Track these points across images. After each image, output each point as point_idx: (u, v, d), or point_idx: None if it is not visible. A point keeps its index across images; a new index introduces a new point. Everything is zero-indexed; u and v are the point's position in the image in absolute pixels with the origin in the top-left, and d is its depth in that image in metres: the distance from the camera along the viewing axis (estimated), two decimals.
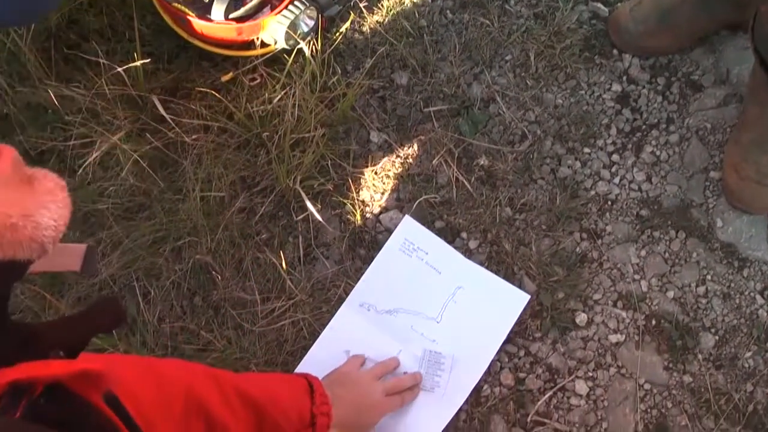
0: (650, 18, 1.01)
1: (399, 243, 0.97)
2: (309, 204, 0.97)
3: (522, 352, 0.93)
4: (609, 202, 1.00)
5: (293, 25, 0.98)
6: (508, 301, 0.94)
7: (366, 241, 0.99)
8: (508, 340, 0.93)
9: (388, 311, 0.95)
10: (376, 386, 0.84)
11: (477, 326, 0.93)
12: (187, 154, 1.00)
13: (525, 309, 0.93)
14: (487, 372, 0.91)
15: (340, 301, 0.95)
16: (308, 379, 0.74)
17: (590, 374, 0.92)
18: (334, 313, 0.94)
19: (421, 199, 0.99)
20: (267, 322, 0.93)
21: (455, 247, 0.98)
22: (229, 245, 0.97)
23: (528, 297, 0.93)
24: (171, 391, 0.55)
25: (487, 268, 0.97)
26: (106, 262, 0.94)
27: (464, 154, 1.02)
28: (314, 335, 0.93)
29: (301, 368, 0.90)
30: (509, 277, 0.96)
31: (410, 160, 1.02)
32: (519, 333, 0.94)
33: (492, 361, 0.91)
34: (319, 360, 0.89)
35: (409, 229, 0.98)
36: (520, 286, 0.96)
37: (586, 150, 1.03)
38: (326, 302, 0.95)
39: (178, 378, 0.57)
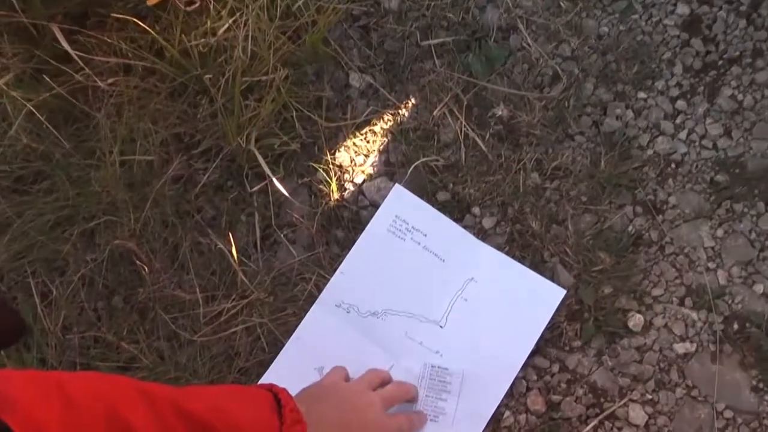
0: None
1: (388, 222, 0.87)
2: (268, 170, 0.87)
3: (556, 368, 0.83)
4: (673, 165, 0.90)
5: None
6: (536, 299, 0.84)
7: (344, 220, 0.89)
8: (537, 351, 0.83)
9: (374, 313, 0.85)
10: (371, 398, 0.75)
11: (495, 332, 0.83)
12: (101, 104, 0.92)
13: (559, 309, 0.83)
14: (509, 394, 0.81)
15: (311, 300, 0.86)
16: (274, 392, 0.67)
17: (649, 397, 0.81)
18: (303, 317, 0.85)
19: (419, 162, 0.89)
20: (212, 330, 0.84)
21: (465, 227, 0.88)
22: (160, 226, 0.88)
23: (563, 292, 0.83)
24: (86, 414, 0.52)
25: (507, 253, 0.86)
26: None
27: (476, 101, 0.92)
28: (276, 347, 0.84)
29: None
30: (537, 265, 0.86)
31: (403, 111, 0.92)
32: (552, 341, 0.84)
33: (515, 379, 0.81)
34: (282, 379, 0.78)
35: (402, 203, 0.88)
36: (553, 277, 0.85)
37: (641, 95, 0.92)
38: (292, 302, 0.86)
39: (95, 397, 0.54)
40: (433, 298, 0.85)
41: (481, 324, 0.84)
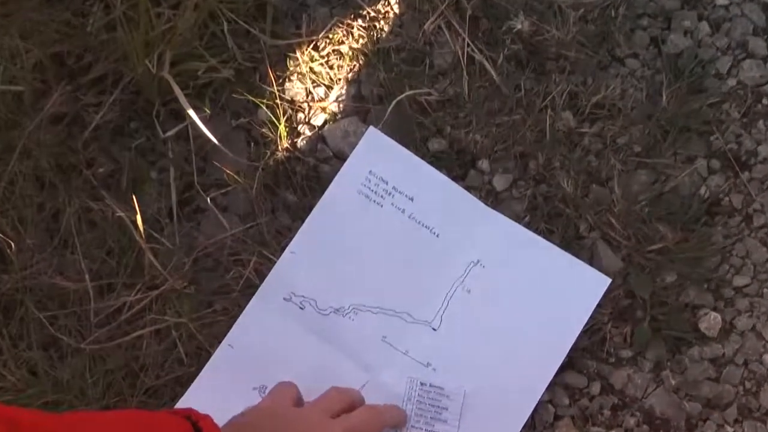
0: None
1: (360, 180, 0.76)
2: (188, 107, 0.74)
3: (596, 388, 0.70)
4: (764, 101, 0.78)
5: None
6: (568, 290, 0.73)
7: (298, 178, 0.76)
8: (570, 364, 0.71)
9: (339, 310, 0.72)
10: (331, 429, 0.65)
11: (510, 338, 0.72)
12: None
13: (601, 304, 0.71)
14: (530, 425, 0.70)
15: (249, 291, 0.74)
16: (193, 420, 0.59)
17: (729, 430, 0.70)
18: (238, 315, 0.73)
19: (403, 97, 0.77)
20: (107, 334, 0.74)
21: (468, 188, 0.75)
22: (32, 187, 0.76)
23: (607, 282, 0.71)
24: None
25: (528, 226, 0.74)
26: None
27: (484, 11, 0.80)
28: (199, 357, 0.73)
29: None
30: (570, 243, 0.74)
31: (382, 24, 0.80)
32: (590, 350, 0.72)
33: (539, 404, 0.69)
34: (207, 403, 0.66)
35: (378, 155, 0.77)
36: (592, 260, 0.73)
37: (721, 1, 0.81)
38: (222, 294, 0.74)
39: None
40: (423, 288, 0.74)
41: (491, 325, 0.73)
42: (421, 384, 0.69)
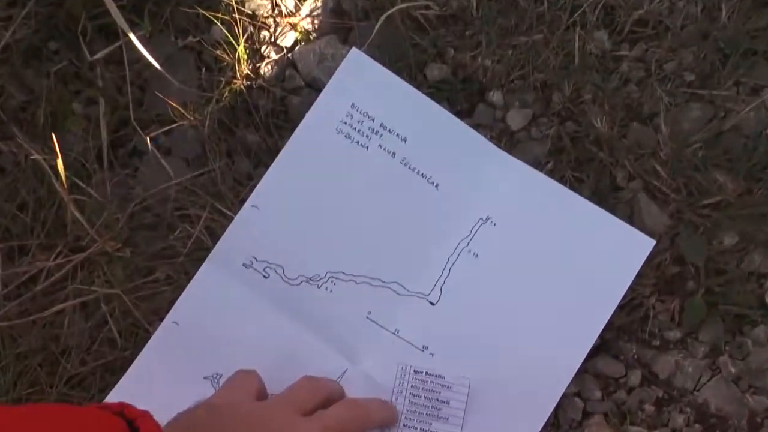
0: None
1: (338, 115, 0.66)
2: (122, 22, 0.65)
3: (635, 377, 0.61)
4: None
5: None
6: (603, 254, 0.63)
7: (261, 113, 0.66)
8: (602, 347, 0.62)
9: (312, 279, 0.63)
10: (302, 428, 0.57)
11: (527, 314, 0.63)
12: None
13: (643, 272, 0.62)
14: (553, 423, 0.61)
15: (199, 255, 0.64)
16: (129, 418, 0.51)
17: None
18: (185, 285, 0.64)
19: (394, 10, 0.68)
20: (19, 309, 0.65)
21: (475, 126, 0.65)
22: None
23: (651, 243, 0.62)
24: None
25: (551, 174, 0.64)
26: None
27: None
28: (136, 338, 0.64)
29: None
30: (604, 195, 0.64)
31: None
32: (628, 329, 0.63)
33: (563, 397, 0.60)
34: (146, 396, 0.57)
35: (363, 83, 0.68)
36: (631, 217, 0.63)
37: None
38: (165, 259, 0.64)
39: None
40: (419, 252, 0.64)
41: (503, 299, 0.64)
42: (416, 372, 0.59)
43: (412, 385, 0.60)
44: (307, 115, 0.64)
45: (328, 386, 0.60)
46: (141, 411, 0.50)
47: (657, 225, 0.61)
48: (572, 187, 0.62)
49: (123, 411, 0.50)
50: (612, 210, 0.62)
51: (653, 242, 0.61)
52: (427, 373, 0.60)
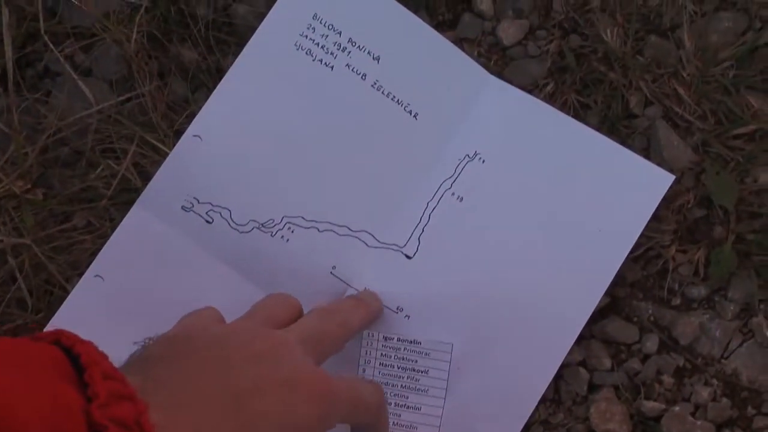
0: None
1: (297, 28, 0.55)
2: None
3: (651, 342, 0.52)
4: None
5: None
6: (610, 193, 0.54)
7: (199, 23, 0.55)
8: (611, 306, 0.53)
9: (265, 225, 0.54)
10: (279, 338, 0.49)
11: (520, 267, 0.54)
12: None
13: (660, 215, 0.53)
14: (554, 398, 0.52)
15: (127, 198, 0.54)
16: (66, 345, 0.41)
17: None
18: (110, 233, 0.54)
19: None
20: None
21: (459, 42, 0.55)
22: None
23: (669, 180, 0.53)
24: None
25: (551, 98, 0.53)
26: None
27: None
28: (51, 298, 0.55)
29: None
30: (614, 123, 0.53)
31: None
32: (642, 286, 0.54)
33: (563, 367, 0.52)
34: None
35: None
36: (648, 150, 0.53)
37: None
38: (84, 201, 0.54)
39: None
40: (392, 195, 0.54)
41: (492, 249, 0.53)
42: (385, 338, 0.50)
43: (381, 354, 0.51)
44: (260, 27, 0.54)
45: (290, 301, 0.51)
46: (80, 338, 0.43)
47: (679, 159, 0.51)
48: (577, 114, 0.52)
49: (60, 339, 0.44)
50: (624, 141, 0.52)
51: (672, 177, 0.51)
52: (399, 339, 0.51)
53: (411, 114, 0.53)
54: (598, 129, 0.51)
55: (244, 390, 0.43)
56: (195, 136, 0.52)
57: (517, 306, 0.51)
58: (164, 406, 0.40)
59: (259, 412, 0.42)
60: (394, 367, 0.50)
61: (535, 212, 0.52)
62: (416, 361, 0.50)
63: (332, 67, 0.53)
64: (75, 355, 0.39)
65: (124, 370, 0.46)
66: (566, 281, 0.51)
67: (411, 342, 0.50)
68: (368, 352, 0.51)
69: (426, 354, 0.50)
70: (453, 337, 0.51)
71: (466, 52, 0.52)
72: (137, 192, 0.51)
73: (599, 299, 0.51)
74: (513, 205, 0.52)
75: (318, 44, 0.53)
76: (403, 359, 0.50)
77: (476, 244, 0.53)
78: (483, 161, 0.52)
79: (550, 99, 0.51)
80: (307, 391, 0.44)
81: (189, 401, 0.42)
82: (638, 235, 0.52)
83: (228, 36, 0.53)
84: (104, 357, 0.40)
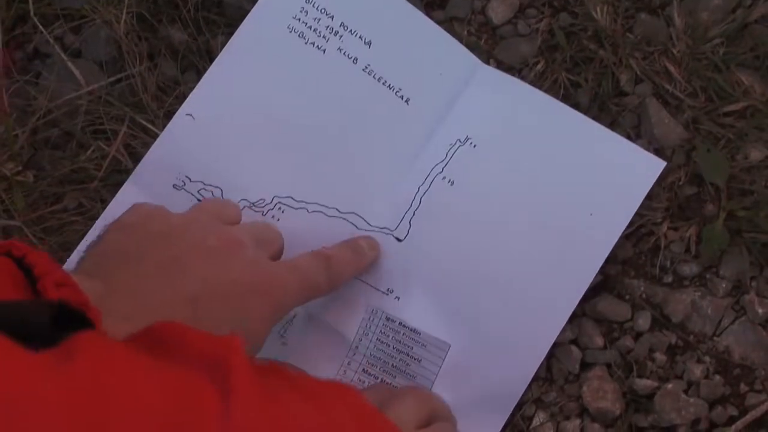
0: None
1: (290, 10, 0.55)
2: None
3: (644, 320, 0.52)
4: None
5: None
6: (601, 179, 0.54)
7: (189, 4, 0.55)
8: (602, 285, 0.53)
9: (256, 204, 0.54)
10: (230, 233, 0.47)
11: (511, 249, 0.53)
12: None
13: (652, 194, 0.53)
14: (547, 377, 0.52)
15: (117, 179, 0.54)
16: (15, 254, 0.41)
17: None
18: (101, 212, 0.54)
19: None
20: None
21: (449, 21, 0.55)
22: None
23: (660, 165, 0.53)
24: None
25: (542, 76, 0.54)
26: None
27: None
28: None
29: None
30: (605, 101, 0.53)
31: None
32: (634, 263, 0.54)
33: (555, 345, 0.52)
34: None
35: None
36: (638, 128, 0.53)
37: None
38: (75, 183, 0.54)
39: None
40: (383, 179, 0.54)
41: (483, 232, 0.53)
42: (388, 319, 0.50)
43: (381, 331, 0.51)
44: (254, 8, 0.54)
45: (230, 207, 0.51)
46: (30, 248, 0.41)
47: (669, 137, 0.51)
48: (567, 93, 0.52)
49: (11, 251, 0.41)
50: (615, 119, 0.51)
51: (664, 164, 0.51)
52: (401, 323, 0.51)
53: (402, 99, 0.53)
54: (589, 107, 0.51)
55: (196, 294, 0.42)
56: (188, 115, 0.52)
57: (507, 289, 0.51)
58: (119, 314, 0.39)
59: (214, 317, 0.42)
60: (390, 346, 0.51)
61: (526, 197, 0.52)
62: (412, 348, 0.51)
63: (324, 51, 0.53)
64: (28, 266, 0.39)
65: (81, 267, 0.44)
66: (557, 265, 0.51)
67: (411, 329, 0.50)
68: (368, 326, 0.51)
69: (423, 345, 0.50)
70: (442, 320, 0.50)
71: (456, 32, 0.52)
72: (128, 173, 0.51)
73: (589, 283, 0.50)
74: (504, 190, 0.52)
75: (310, 27, 0.53)
76: (399, 342, 0.51)
77: (467, 228, 0.53)
78: (474, 146, 0.52)
79: (540, 78, 0.51)
80: (258, 289, 0.44)
81: (143, 310, 0.41)
82: (629, 220, 0.52)
83: (217, 17, 0.53)
84: (57, 266, 0.40)
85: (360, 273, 0.50)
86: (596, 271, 0.51)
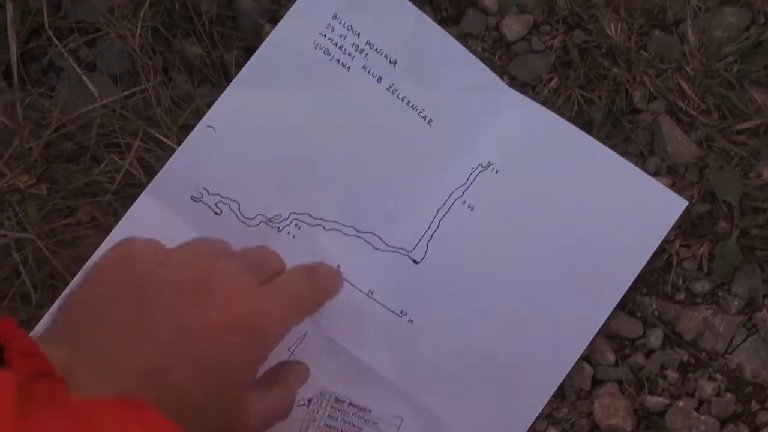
0: None
1: (317, 27, 0.56)
2: None
3: (656, 337, 0.52)
4: None
5: None
6: (624, 212, 0.54)
7: (204, 18, 0.55)
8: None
9: (272, 219, 0.54)
10: (208, 267, 0.44)
11: (530, 276, 0.53)
12: None
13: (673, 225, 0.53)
14: (560, 394, 0.51)
15: (131, 193, 0.54)
16: None
17: None
18: (113, 225, 0.54)
19: None
20: None
21: (463, 36, 0.54)
22: None
23: (683, 205, 0.53)
24: None
25: (556, 93, 0.53)
26: None
27: None
28: (55, 292, 0.54)
29: None
30: (618, 118, 0.52)
31: None
32: (647, 281, 0.53)
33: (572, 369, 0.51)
34: None
35: None
36: (652, 145, 0.53)
37: None
38: (88, 196, 0.54)
39: None
40: (403, 199, 0.54)
41: (502, 259, 0.53)
42: (337, 400, 0.50)
43: (329, 415, 0.50)
44: (280, 23, 0.54)
45: (219, 242, 0.46)
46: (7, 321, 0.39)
47: (682, 154, 0.51)
48: (581, 109, 0.52)
49: None
50: (628, 137, 0.51)
51: (686, 203, 0.51)
52: (350, 404, 0.50)
53: (425, 120, 0.53)
54: (602, 124, 0.51)
55: (162, 364, 0.40)
56: (209, 126, 0.52)
57: (520, 319, 0.51)
58: (82, 384, 0.38)
59: (184, 384, 0.40)
60: (338, 430, 0.50)
61: (546, 228, 0.52)
62: (361, 429, 0.50)
63: (349, 68, 0.53)
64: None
65: (49, 331, 0.42)
66: (571, 300, 0.51)
67: (361, 409, 0.50)
68: (316, 411, 0.51)
69: (373, 423, 0.50)
70: (454, 344, 0.50)
71: (470, 48, 0.52)
72: (141, 186, 0.51)
73: (605, 319, 0.50)
74: (523, 218, 0.52)
75: (336, 44, 0.53)
76: (349, 424, 0.51)
77: (484, 254, 0.53)
78: (496, 172, 0.52)
79: (554, 94, 0.51)
80: (240, 326, 0.41)
81: (111, 373, 0.40)
82: (647, 259, 0.51)
83: (232, 31, 0.53)
84: (24, 334, 0.39)
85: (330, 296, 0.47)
86: (611, 309, 0.50)
